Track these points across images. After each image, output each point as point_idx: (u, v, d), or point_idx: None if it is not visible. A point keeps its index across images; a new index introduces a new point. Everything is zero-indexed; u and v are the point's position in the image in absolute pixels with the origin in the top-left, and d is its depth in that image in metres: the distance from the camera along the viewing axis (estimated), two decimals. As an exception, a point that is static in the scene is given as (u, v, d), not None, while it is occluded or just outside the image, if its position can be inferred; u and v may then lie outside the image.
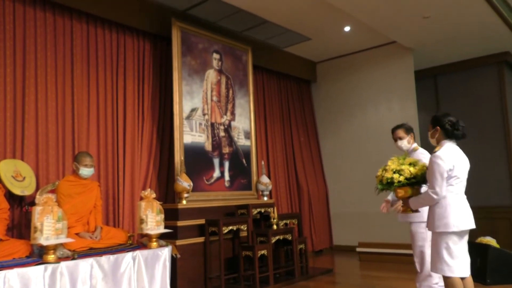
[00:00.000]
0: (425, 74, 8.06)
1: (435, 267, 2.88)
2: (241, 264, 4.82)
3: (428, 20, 5.85)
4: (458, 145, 3.01)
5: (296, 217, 5.89)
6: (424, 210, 3.23)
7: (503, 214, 7.18)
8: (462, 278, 2.86)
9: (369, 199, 7.33)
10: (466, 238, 2.89)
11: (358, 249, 6.68)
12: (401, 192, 3.03)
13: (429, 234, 3.31)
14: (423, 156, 3.62)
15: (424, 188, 3.03)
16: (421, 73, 7.85)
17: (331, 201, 7.89)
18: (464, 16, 5.78)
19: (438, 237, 2.85)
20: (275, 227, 5.23)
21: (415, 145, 3.88)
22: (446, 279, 2.85)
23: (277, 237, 5.13)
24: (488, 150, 7.45)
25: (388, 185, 3.05)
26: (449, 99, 8.02)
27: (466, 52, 7.38)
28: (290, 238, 5.31)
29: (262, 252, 4.83)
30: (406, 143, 3.84)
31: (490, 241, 4.96)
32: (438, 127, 2.94)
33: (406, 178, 2.98)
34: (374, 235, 7.01)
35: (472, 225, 2.86)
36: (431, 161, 2.86)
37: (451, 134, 2.89)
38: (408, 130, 3.86)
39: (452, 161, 2.81)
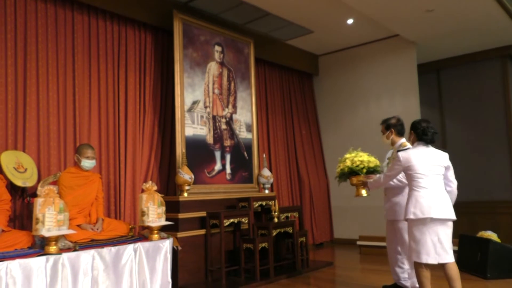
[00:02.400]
0: (428, 68, 8.02)
1: (408, 254, 3.35)
2: (242, 257, 4.84)
3: (432, 13, 5.81)
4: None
5: (297, 210, 5.90)
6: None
7: (505, 209, 7.18)
8: (443, 264, 3.15)
9: (370, 193, 7.34)
10: (437, 227, 3.15)
11: (358, 243, 6.69)
12: (353, 180, 3.81)
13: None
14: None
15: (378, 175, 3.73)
16: (424, 67, 7.80)
17: (332, 194, 7.90)
18: (468, 9, 5.74)
19: (407, 225, 3.34)
20: (276, 220, 5.24)
21: (400, 141, 3.99)
22: (414, 264, 3.28)
23: (278, 230, 5.14)
24: (491, 145, 7.43)
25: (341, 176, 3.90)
26: (452, 93, 7.98)
27: (470, 46, 7.34)
28: (291, 231, 5.32)
29: (263, 245, 4.84)
30: (385, 138, 4.08)
31: (491, 235, 4.96)
32: (412, 131, 3.43)
33: (341, 169, 3.84)
34: (375, 228, 7.01)
35: (433, 215, 3.12)
36: (395, 158, 3.48)
37: (420, 137, 3.37)
38: (388, 126, 4.04)
39: (411, 160, 3.28)
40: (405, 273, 4.05)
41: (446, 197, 3.25)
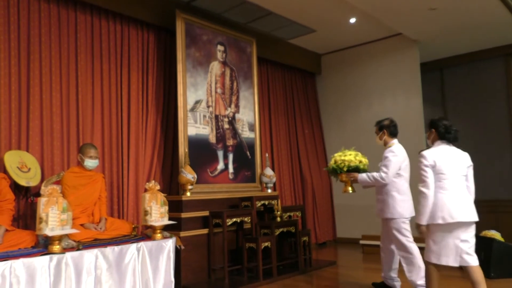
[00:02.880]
0: (431, 67, 8.00)
1: (425, 255, 3.22)
2: (245, 256, 4.84)
3: (434, 11, 5.79)
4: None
5: (300, 209, 5.90)
6: (405, 208, 3.92)
7: (508, 208, 7.16)
8: (466, 267, 3.04)
9: (372, 192, 7.30)
10: (460, 229, 3.05)
11: (361, 242, 6.69)
12: (342, 177, 4.14)
13: (401, 224, 3.94)
14: (391, 153, 4.00)
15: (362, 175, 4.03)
16: (427, 66, 7.78)
17: (335, 193, 7.89)
18: (471, 7, 5.72)
19: (429, 228, 3.16)
20: (278, 219, 5.24)
21: (391, 142, 4.15)
22: (427, 263, 3.20)
23: (280, 230, 5.14)
24: (494, 143, 7.41)
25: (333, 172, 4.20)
26: (455, 92, 7.96)
27: (473, 44, 7.31)
28: (293, 230, 5.32)
29: (266, 244, 4.84)
30: (378, 139, 4.26)
31: (495, 234, 4.94)
32: (433, 130, 3.28)
33: (327, 167, 4.26)
34: (378, 227, 6.94)
35: (461, 219, 3.03)
36: (418, 160, 3.25)
37: (443, 136, 3.22)
38: (381, 128, 4.21)
39: (435, 159, 3.13)
40: (395, 272, 4.20)
41: (469, 198, 3.16)
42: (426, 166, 3.15)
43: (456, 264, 3.05)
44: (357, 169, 4.10)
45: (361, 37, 7.22)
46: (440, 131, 3.22)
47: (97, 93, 4.79)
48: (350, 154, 4.15)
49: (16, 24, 4.19)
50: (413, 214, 3.95)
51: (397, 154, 3.97)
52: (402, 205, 3.93)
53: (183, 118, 5.14)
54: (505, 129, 7.33)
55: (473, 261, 3.07)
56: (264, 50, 6.75)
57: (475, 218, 3.10)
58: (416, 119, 6.96)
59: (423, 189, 3.15)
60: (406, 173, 4.05)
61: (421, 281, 3.77)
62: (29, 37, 4.27)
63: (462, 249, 3.05)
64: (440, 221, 3.04)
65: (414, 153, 6.84)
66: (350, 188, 4.20)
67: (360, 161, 4.13)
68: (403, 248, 3.91)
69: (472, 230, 3.12)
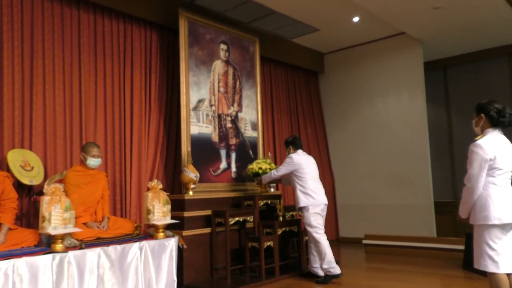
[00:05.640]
0: (435, 66, 7.97)
1: (478, 263, 2.72)
2: (247, 255, 4.84)
3: (438, 10, 5.77)
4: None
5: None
6: (309, 198, 4.77)
7: None
8: (508, 274, 2.70)
9: (376, 191, 7.31)
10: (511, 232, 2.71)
11: (364, 241, 6.67)
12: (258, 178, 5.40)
13: (310, 217, 4.74)
14: (289, 159, 4.83)
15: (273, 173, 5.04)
16: (430, 65, 7.75)
17: (338, 193, 7.88)
18: (475, 6, 5.69)
19: (480, 230, 2.71)
20: (281, 218, 5.23)
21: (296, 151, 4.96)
22: (491, 276, 2.69)
23: (283, 229, 5.13)
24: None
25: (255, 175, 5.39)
26: (458, 91, 7.93)
27: (477, 43, 7.28)
28: (296, 229, 5.32)
29: (268, 243, 4.83)
30: (287, 153, 5.04)
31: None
32: (483, 114, 2.80)
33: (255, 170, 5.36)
34: (381, 227, 6.99)
35: None
36: (470, 150, 2.74)
37: (496, 121, 2.76)
38: (286, 144, 5.06)
39: (494, 150, 2.67)
40: (317, 262, 4.76)
41: None
42: (484, 160, 2.66)
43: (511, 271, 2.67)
44: (258, 173, 5.29)
45: (365, 36, 7.19)
46: (492, 115, 2.74)
47: (100, 92, 4.79)
48: (258, 163, 5.37)
49: (19, 23, 4.19)
50: (324, 202, 4.92)
51: (293, 160, 4.79)
52: (306, 196, 4.77)
53: (186, 117, 5.14)
54: (509, 128, 7.28)
55: None
56: (267, 49, 6.74)
57: None
58: (420, 118, 6.95)
59: (469, 184, 2.72)
60: (309, 174, 4.84)
61: (326, 265, 4.55)
62: (32, 36, 4.27)
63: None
64: (496, 222, 2.62)
65: (417, 152, 6.85)
66: (264, 188, 5.57)
67: (260, 168, 5.28)
68: (310, 236, 4.70)
69: None
